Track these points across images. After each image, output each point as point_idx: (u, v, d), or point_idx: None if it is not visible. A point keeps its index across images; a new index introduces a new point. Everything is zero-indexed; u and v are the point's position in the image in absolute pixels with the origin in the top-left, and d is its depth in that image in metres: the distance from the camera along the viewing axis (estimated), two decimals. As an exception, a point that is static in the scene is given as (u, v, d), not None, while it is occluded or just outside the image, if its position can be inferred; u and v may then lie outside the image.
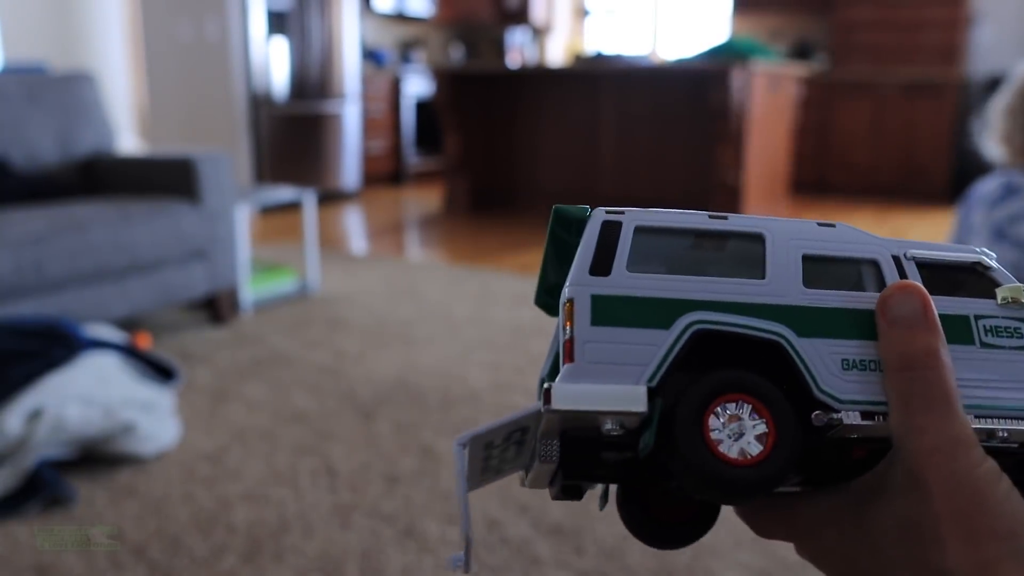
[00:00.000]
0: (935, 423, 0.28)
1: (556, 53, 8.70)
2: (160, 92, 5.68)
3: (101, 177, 3.12)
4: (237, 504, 1.76)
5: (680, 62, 5.07)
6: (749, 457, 0.28)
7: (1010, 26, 6.23)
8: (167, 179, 2.94)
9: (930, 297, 0.30)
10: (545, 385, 0.29)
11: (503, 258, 4.15)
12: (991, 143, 1.65)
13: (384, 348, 2.75)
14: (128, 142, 6.81)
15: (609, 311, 0.30)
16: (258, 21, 5.39)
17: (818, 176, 6.53)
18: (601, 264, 0.31)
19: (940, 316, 0.30)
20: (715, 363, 0.30)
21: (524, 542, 1.62)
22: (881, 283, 0.31)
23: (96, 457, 1.90)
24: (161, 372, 2.18)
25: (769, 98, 4.96)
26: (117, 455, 1.91)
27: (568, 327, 0.30)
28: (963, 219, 1.65)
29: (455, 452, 0.31)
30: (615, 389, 0.29)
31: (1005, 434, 0.30)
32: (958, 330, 0.31)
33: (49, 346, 1.97)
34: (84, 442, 1.86)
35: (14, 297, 2.33)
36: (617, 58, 5.64)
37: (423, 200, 6.25)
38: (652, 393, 0.29)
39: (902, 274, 0.32)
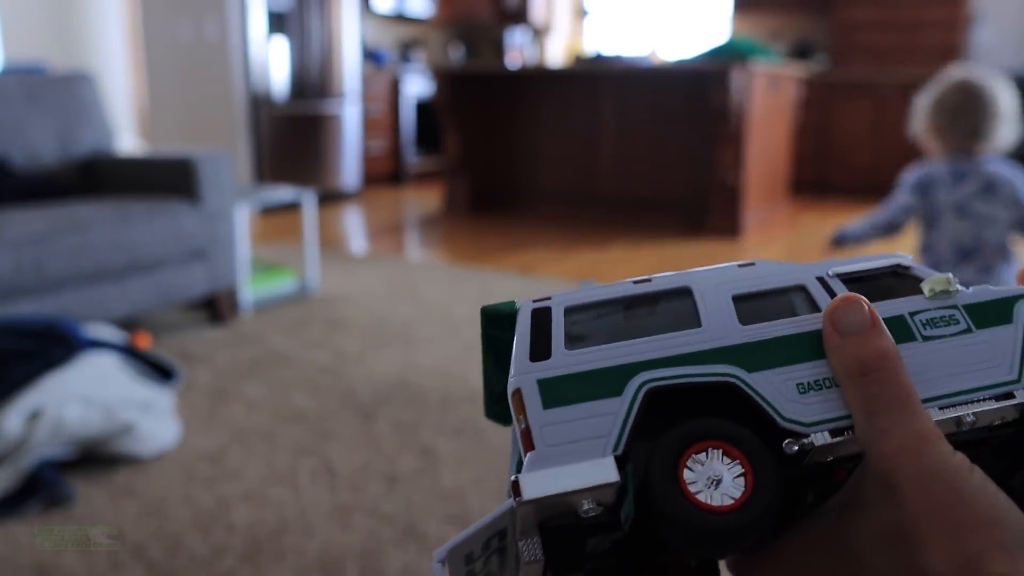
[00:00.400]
0: (897, 423, 0.28)
1: (556, 53, 8.71)
2: (160, 92, 5.68)
3: (101, 177, 3.12)
4: (237, 504, 1.76)
5: (680, 63, 5.07)
6: (733, 500, 0.28)
7: (1010, 26, 6.23)
8: (167, 179, 2.94)
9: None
10: (512, 478, 0.28)
11: (503, 258, 4.15)
12: (922, 134, 2.08)
13: (384, 348, 2.75)
14: (128, 142, 6.81)
15: (558, 391, 0.30)
16: (258, 21, 5.39)
17: (818, 176, 6.53)
18: (540, 349, 0.31)
19: None
20: (676, 418, 0.29)
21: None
22: (813, 306, 0.32)
23: (96, 457, 1.90)
24: (161, 372, 2.18)
25: (769, 98, 4.96)
26: (117, 455, 1.91)
27: (522, 417, 0.29)
28: (912, 201, 2.10)
29: (435, 571, 0.29)
30: (583, 466, 0.28)
31: (972, 418, 0.29)
32: (898, 330, 0.31)
33: (48, 346, 1.97)
34: (84, 442, 1.86)
35: (14, 297, 2.33)
36: (617, 59, 5.64)
37: (423, 200, 6.25)
38: (621, 461, 0.28)
39: (830, 293, 0.32)
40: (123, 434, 1.89)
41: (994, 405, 0.30)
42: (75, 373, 1.92)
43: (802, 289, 0.32)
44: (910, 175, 2.12)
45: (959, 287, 0.32)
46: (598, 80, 5.27)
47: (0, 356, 1.90)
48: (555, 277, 3.72)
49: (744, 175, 4.72)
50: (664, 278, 0.33)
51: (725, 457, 0.28)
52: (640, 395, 0.29)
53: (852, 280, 0.33)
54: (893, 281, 0.33)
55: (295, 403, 2.29)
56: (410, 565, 1.56)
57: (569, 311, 0.32)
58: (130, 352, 2.15)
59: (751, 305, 0.32)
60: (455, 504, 1.77)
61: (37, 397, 1.83)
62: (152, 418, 1.97)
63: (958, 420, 0.29)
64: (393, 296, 3.42)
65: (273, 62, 5.54)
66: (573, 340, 0.31)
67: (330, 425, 2.15)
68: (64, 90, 3.13)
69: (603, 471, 0.28)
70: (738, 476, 0.28)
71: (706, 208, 4.85)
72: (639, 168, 5.23)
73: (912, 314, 0.31)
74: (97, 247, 2.53)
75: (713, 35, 7.69)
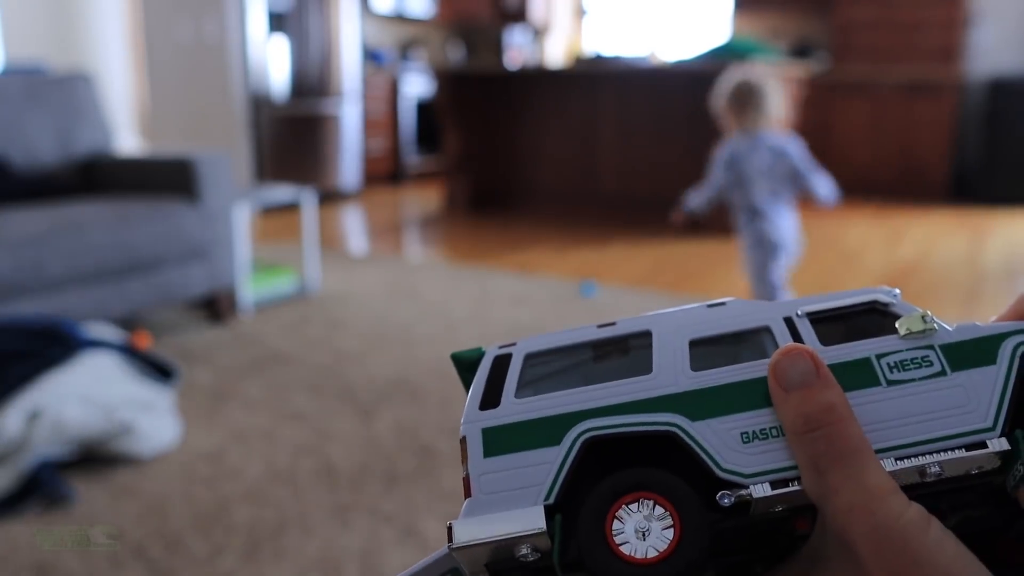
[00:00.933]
0: (846, 480, 0.27)
1: (556, 53, 8.70)
2: (160, 92, 5.68)
3: (101, 177, 3.12)
4: (237, 504, 1.76)
5: (680, 63, 5.07)
6: (658, 553, 0.27)
7: (1010, 26, 6.23)
8: (167, 179, 2.94)
9: (818, 353, 0.29)
10: (448, 523, 0.29)
11: (503, 257, 4.15)
12: (722, 117, 2.78)
13: (384, 348, 2.75)
14: (128, 142, 6.81)
15: (500, 440, 0.30)
16: (258, 21, 5.39)
17: (818, 176, 6.52)
18: (490, 398, 0.31)
19: (838, 364, 0.29)
20: (617, 468, 0.29)
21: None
22: (777, 348, 0.31)
23: (95, 457, 1.90)
24: (160, 372, 2.18)
25: (769, 98, 4.96)
26: (117, 455, 1.91)
27: (464, 465, 0.30)
28: (724, 176, 2.71)
29: None
30: (513, 513, 0.28)
31: (937, 468, 0.28)
32: (860, 374, 0.30)
33: (46, 345, 1.97)
34: (83, 442, 1.86)
35: (14, 297, 2.33)
36: (617, 59, 5.64)
37: (423, 200, 6.25)
38: (553, 510, 0.28)
39: (794, 334, 0.31)
40: (123, 434, 1.89)
41: (963, 455, 0.28)
42: (74, 373, 1.92)
43: (767, 331, 0.31)
44: (719, 154, 2.75)
45: (938, 325, 0.30)
46: (598, 80, 5.27)
47: (0, 356, 1.90)
48: (554, 276, 3.72)
49: (744, 175, 4.71)
50: (628, 321, 0.32)
51: (658, 508, 0.28)
52: (577, 444, 0.29)
53: (823, 319, 0.31)
54: (870, 319, 0.32)
55: (295, 403, 2.29)
56: (410, 565, 1.56)
57: (529, 357, 0.32)
58: (129, 352, 2.15)
59: (712, 350, 0.31)
60: (455, 504, 1.77)
61: (37, 397, 1.83)
62: (152, 418, 1.97)
63: (921, 471, 0.28)
64: (393, 296, 3.42)
65: (273, 62, 5.54)
66: (527, 387, 0.31)
67: (330, 425, 2.15)
68: (64, 90, 3.13)
69: (531, 519, 0.28)
70: (667, 528, 0.28)
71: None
72: (639, 168, 5.22)
73: (879, 356, 0.30)
74: (96, 247, 2.53)
75: (713, 35, 7.69)
